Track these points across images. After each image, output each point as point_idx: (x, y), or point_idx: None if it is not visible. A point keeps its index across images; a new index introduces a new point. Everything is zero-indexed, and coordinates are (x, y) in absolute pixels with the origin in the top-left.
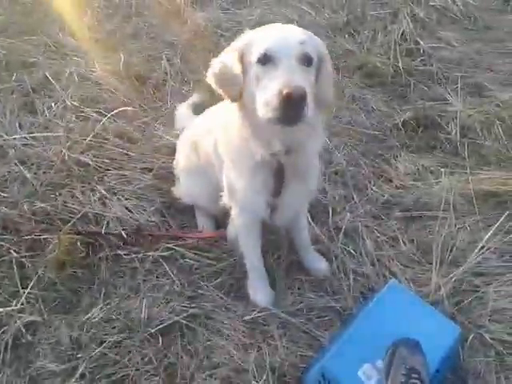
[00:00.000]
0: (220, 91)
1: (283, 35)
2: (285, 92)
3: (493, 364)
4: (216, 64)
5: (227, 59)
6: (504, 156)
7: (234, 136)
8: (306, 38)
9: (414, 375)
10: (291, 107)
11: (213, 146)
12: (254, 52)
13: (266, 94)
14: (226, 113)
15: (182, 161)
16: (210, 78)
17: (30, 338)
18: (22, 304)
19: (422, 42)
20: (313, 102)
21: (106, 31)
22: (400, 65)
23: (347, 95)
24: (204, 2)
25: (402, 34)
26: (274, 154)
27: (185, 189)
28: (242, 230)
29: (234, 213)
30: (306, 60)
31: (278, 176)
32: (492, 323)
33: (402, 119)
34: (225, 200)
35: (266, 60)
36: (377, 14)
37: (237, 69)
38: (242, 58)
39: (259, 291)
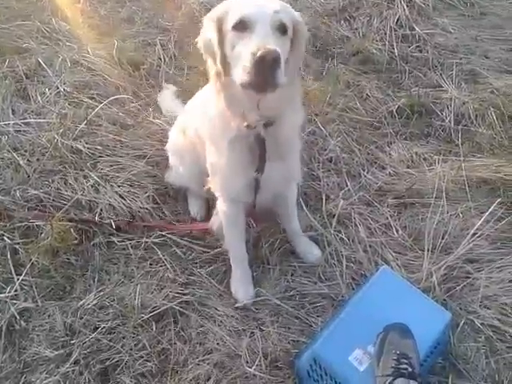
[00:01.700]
0: (210, 62)
1: (259, 3)
2: (258, 54)
3: (483, 349)
4: (201, 35)
5: (206, 29)
6: (497, 143)
7: (211, 113)
8: (281, 8)
9: (404, 360)
10: (264, 70)
11: (194, 130)
12: (229, 19)
13: (242, 59)
14: (205, 93)
15: (171, 144)
16: (201, 50)
17: (24, 324)
18: (16, 291)
19: (417, 29)
20: (286, 70)
21: (100, 16)
22: (395, 51)
23: (342, 81)
24: None
25: (398, 20)
26: (250, 127)
27: (174, 171)
28: (226, 219)
29: (219, 203)
30: (281, 28)
31: (260, 150)
32: (483, 309)
33: (396, 106)
34: (210, 186)
35: (241, 27)
36: (373, 0)
37: (213, 38)
38: (219, 27)
39: (240, 287)
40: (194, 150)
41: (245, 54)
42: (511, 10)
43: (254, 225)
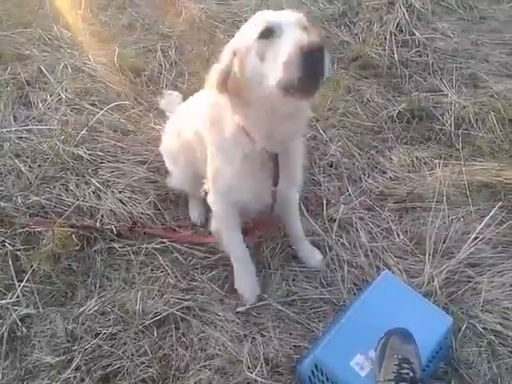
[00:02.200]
0: (224, 92)
1: (279, 12)
2: (307, 42)
3: (485, 354)
4: (217, 67)
5: (225, 59)
6: (498, 147)
7: (225, 127)
8: (301, 16)
9: (406, 365)
10: (312, 61)
11: (194, 134)
12: (251, 34)
13: (277, 62)
14: (210, 104)
15: (165, 145)
16: (213, 84)
17: (25, 330)
18: (18, 297)
19: (417, 33)
20: None
21: (101, 23)
22: (395, 56)
23: (342, 86)
24: None
25: (398, 25)
26: (272, 148)
27: (170, 174)
28: (222, 219)
29: (210, 200)
30: (305, 28)
31: (274, 164)
32: (484, 313)
33: (396, 111)
34: (206, 186)
35: (268, 34)
36: (372, 5)
37: (231, 60)
38: (235, 52)
39: (245, 285)
40: (188, 151)
41: (283, 54)
42: (510, 14)
43: (257, 230)
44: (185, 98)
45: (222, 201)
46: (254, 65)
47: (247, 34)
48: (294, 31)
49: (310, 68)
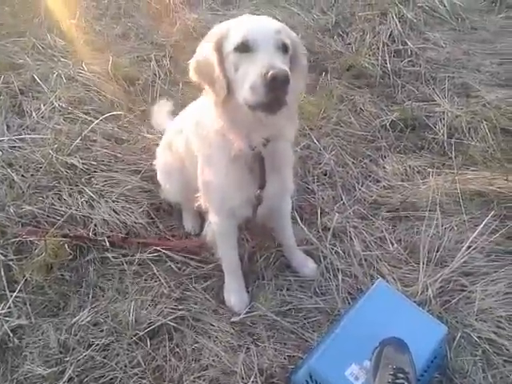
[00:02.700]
0: (203, 85)
1: (260, 24)
2: (270, 73)
3: (480, 363)
4: (195, 57)
5: (204, 50)
6: (490, 156)
7: (208, 132)
8: (281, 28)
9: (400, 375)
10: (275, 90)
11: (184, 145)
12: (230, 41)
13: (249, 79)
14: (197, 110)
15: (159, 162)
16: (192, 73)
17: (17, 341)
18: (9, 307)
19: (409, 43)
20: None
21: (95, 32)
22: (388, 66)
23: (335, 96)
24: (193, 3)
25: (390, 35)
26: (252, 147)
27: (162, 187)
28: (219, 232)
29: (210, 216)
30: (283, 47)
31: (260, 168)
32: (479, 322)
33: (389, 120)
34: (202, 202)
35: (243, 48)
36: (365, 15)
37: (212, 59)
38: (218, 49)
39: (234, 296)
40: (181, 166)
41: (252, 74)
42: (501, 25)
43: (250, 239)
44: (179, 108)
45: (221, 217)
46: (229, 72)
47: (230, 39)
48: (266, 54)
49: (272, 95)
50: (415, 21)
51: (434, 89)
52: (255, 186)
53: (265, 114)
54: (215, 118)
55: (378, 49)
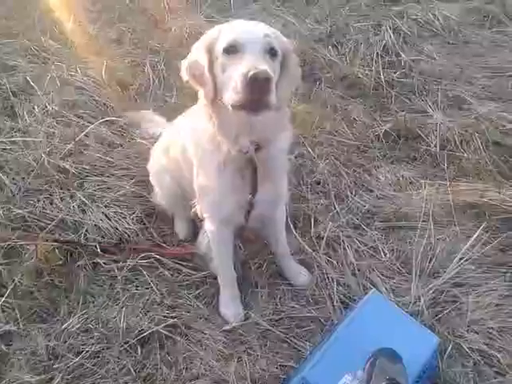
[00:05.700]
0: (194, 85)
1: (249, 27)
2: (250, 74)
3: (471, 374)
4: (188, 58)
5: (197, 52)
6: (482, 168)
7: (202, 136)
8: (271, 32)
9: None
10: (256, 90)
11: (180, 150)
12: (220, 43)
13: (231, 81)
14: (193, 115)
15: (154, 165)
16: (184, 73)
17: (4, 348)
18: None
19: (403, 55)
20: (278, 94)
21: (89, 36)
22: (382, 77)
23: (329, 105)
24: (188, 9)
25: (384, 47)
26: (241, 151)
27: (156, 192)
28: (214, 240)
29: (206, 225)
30: (271, 51)
31: (252, 173)
32: (470, 333)
33: (383, 130)
34: (198, 209)
35: (232, 50)
36: (359, 26)
37: (203, 60)
38: (210, 51)
39: (229, 308)
40: (175, 171)
41: (236, 75)
42: (493, 40)
43: (242, 247)
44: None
45: (215, 220)
46: (218, 73)
47: (220, 41)
48: (252, 56)
49: (253, 95)
50: (409, 33)
51: (426, 100)
52: (247, 192)
53: (247, 115)
54: (206, 122)
55: (372, 60)
